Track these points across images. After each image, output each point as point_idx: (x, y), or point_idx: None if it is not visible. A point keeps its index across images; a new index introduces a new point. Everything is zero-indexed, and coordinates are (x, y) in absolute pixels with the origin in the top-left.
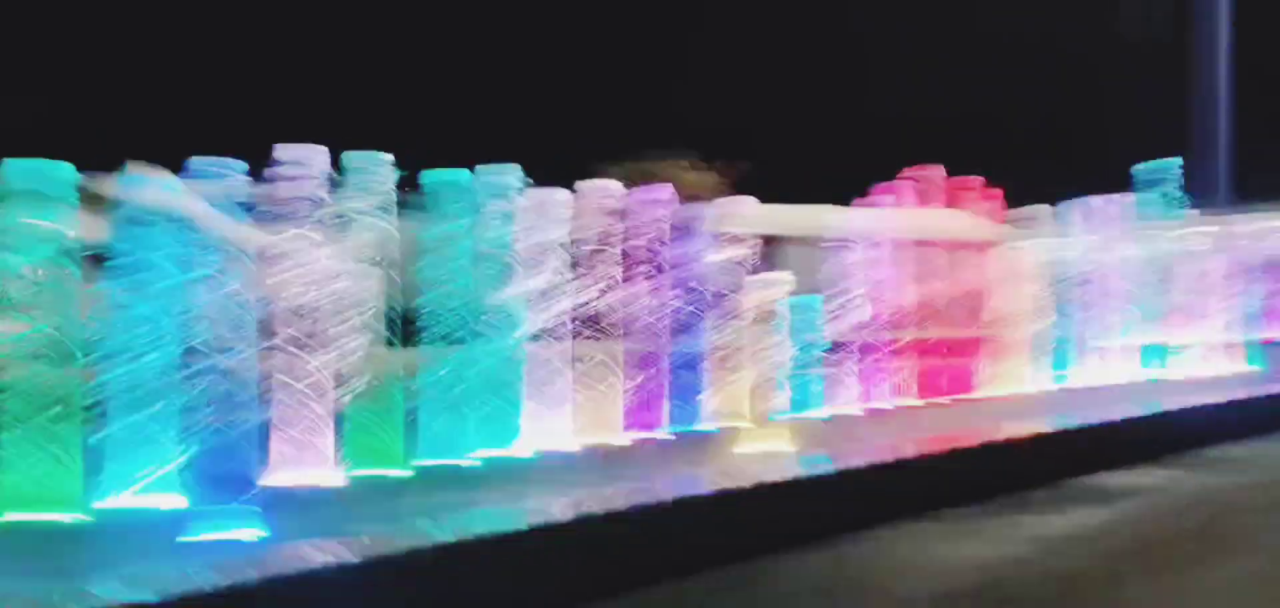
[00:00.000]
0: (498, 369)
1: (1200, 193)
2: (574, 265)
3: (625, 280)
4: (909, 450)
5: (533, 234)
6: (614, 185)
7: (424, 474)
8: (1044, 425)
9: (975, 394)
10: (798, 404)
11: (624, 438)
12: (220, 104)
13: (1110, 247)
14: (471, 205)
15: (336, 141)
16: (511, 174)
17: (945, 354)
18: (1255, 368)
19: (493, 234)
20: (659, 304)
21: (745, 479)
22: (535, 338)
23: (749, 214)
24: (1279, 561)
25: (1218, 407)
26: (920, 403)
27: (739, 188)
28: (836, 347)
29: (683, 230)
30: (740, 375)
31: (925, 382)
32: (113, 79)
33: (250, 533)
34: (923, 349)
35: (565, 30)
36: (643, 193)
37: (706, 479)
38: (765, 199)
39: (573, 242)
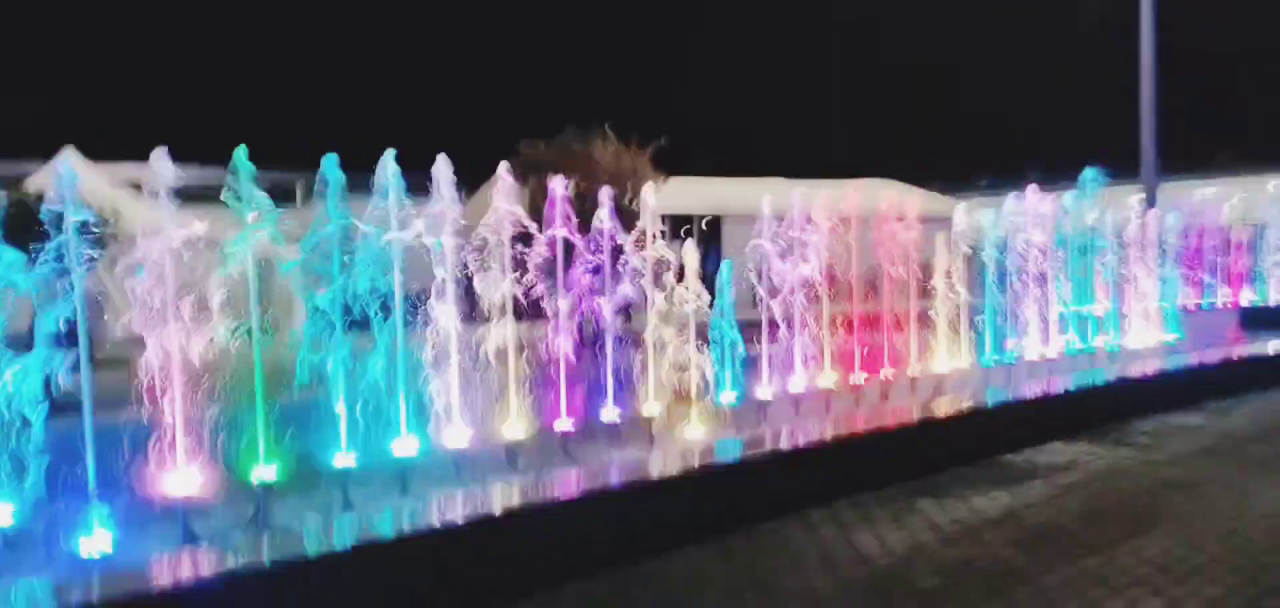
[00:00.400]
0: (389, 365)
1: (1130, 165)
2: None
3: (527, 270)
4: (822, 435)
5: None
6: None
7: (310, 477)
8: (960, 405)
9: (902, 373)
10: (718, 388)
11: (527, 432)
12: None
13: (1039, 223)
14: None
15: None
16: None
17: (873, 333)
18: (1173, 337)
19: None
20: (566, 293)
21: (645, 472)
22: (429, 329)
23: (677, 192)
24: (1189, 541)
25: (1133, 380)
26: (847, 383)
27: (661, 166)
28: (759, 328)
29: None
30: (657, 362)
31: (852, 361)
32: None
33: (92, 547)
34: (850, 328)
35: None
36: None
37: (598, 474)
38: (693, 175)
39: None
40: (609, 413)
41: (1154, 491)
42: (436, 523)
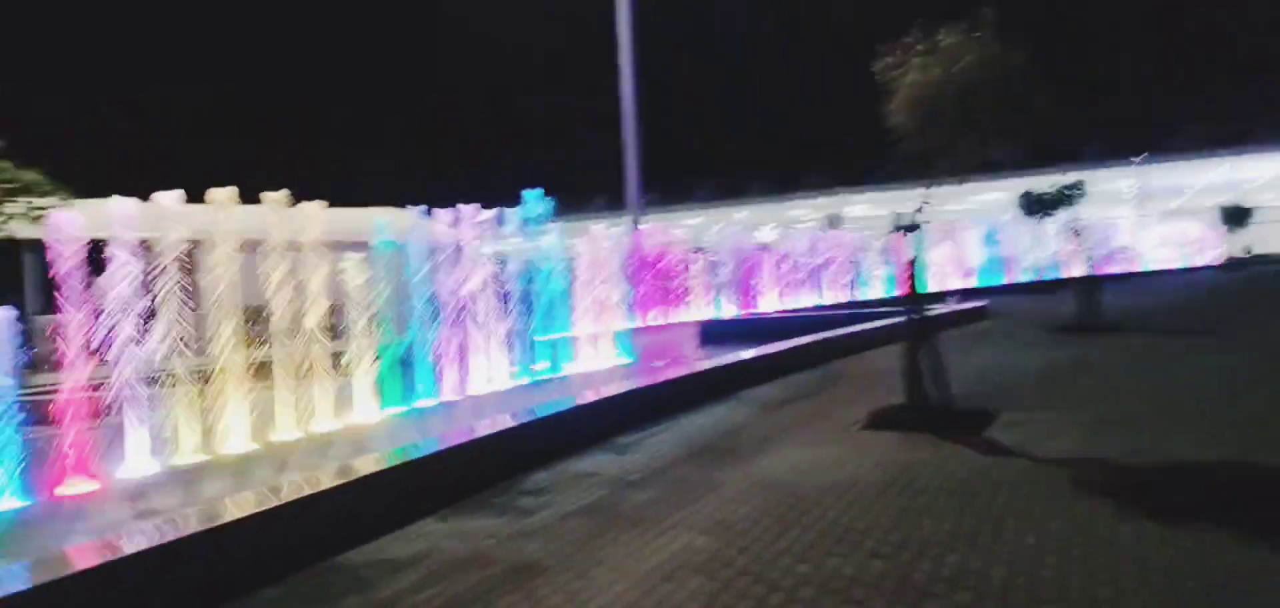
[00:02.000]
0: None
1: (614, 199)
2: None
3: None
4: (66, 566)
5: None
6: None
7: None
8: (292, 492)
9: (300, 434)
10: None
11: None
12: None
13: (478, 249)
14: None
15: None
16: None
17: (278, 383)
18: (625, 360)
19: None
20: None
21: None
22: None
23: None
24: None
25: (541, 422)
26: (221, 453)
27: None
28: (112, 387)
29: None
30: None
31: (248, 420)
32: None
33: None
34: (241, 378)
35: None
36: None
37: None
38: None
39: None
40: None
41: (496, 587)
42: None
